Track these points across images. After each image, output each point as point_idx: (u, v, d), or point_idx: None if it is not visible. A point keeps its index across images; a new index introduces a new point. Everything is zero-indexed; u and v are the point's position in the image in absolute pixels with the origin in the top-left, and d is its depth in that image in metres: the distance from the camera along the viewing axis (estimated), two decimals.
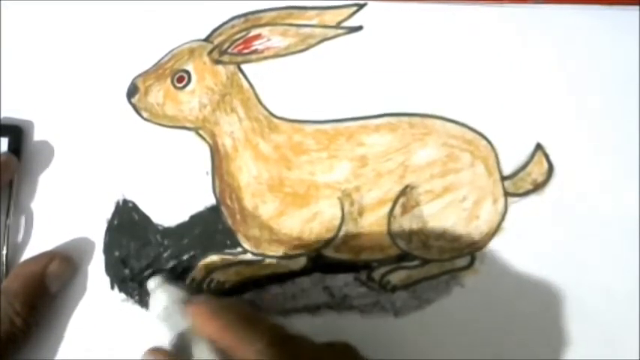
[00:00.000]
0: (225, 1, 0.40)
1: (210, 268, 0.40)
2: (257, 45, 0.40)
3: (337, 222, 0.39)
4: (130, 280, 0.40)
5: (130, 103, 0.40)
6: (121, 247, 0.40)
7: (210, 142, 0.40)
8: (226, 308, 0.34)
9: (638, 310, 0.38)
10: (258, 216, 0.39)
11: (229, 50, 0.40)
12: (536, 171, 0.39)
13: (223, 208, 0.40)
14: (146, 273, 0.40)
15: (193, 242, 0.40)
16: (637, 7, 0.40)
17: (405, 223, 0.39)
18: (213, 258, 0.40)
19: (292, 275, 0.39)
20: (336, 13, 0.40)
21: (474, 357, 0.38)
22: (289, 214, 0.39)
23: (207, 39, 0.40)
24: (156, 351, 0.35)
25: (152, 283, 0.38)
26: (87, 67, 0.41)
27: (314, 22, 0.40)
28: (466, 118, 0.39)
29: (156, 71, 0.40)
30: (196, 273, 0.40)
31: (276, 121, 0.40)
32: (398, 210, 0.39)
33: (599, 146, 0.39)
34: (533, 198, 0.39)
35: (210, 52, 0.40)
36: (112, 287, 0.40)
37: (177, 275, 0.40)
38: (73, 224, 0.40)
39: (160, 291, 0.37)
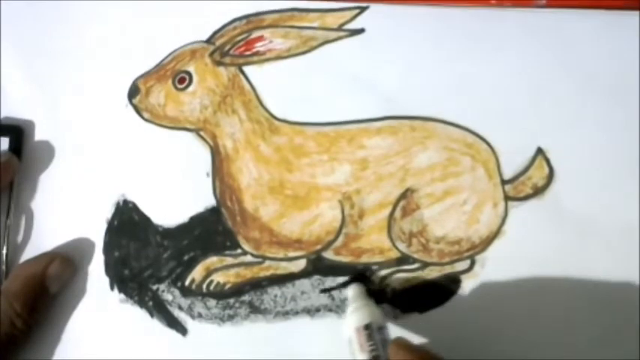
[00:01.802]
0: (227, 3, 0.40)
1: (210, 270, 0.40)
2: (259, 47, 0.40)
3: (337, 224, 0.39)
4: (129, 281, 0.40)
5: (131, 103, 0.40)
6: (120, 248, 0.40)
7: (211, 143, 0.40)
8: None
9: (639, 312, 0.38)
10: (258, 218, 0.39)
11: (231, 52, 0.40)
12: (537, 175, 0.39)
13: (223, 210, 0.40)
14: (146, 274, 0.40)
15: (193, 243, 0.40)
16: (637, 12, 0.40)
17: (406, 226, 0.39)
18: (213, 259, 0.40)
19: (292, 277, 0.39)
20: (338, 15, 0.40)
21: None
22: (289, 216, 0.39)
23: (208, 40, 0.40)
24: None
25: (354, 291, 0.38)
26: (88, 68, 0.41)
27: (316, 24, 0.40)
28: (467, 121, 0.39)
29: (157, 72, 0.40)
30: (196, 274, 0.40)
31: (277, 123, 0.40)
32: (398, 213, 0.39)
33: (599, 151, 0.39)
34: (533, 202, 0.39)
35: (211, 54, 0.40)
36: (112, 288, 0.40)
37: (177, 276, 0.40)
38: (73, 224, 0.40)
39: (364, 304, 0.36)
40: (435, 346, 0.38)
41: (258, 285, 0.39)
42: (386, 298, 0.39)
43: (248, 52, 0.40)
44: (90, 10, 0.41)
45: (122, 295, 0.40)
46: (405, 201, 0.39)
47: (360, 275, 0.39)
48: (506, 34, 0.40)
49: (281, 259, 0.39)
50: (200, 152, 0.40)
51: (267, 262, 0.40)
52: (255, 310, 0.39)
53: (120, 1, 0.41)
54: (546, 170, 0.39)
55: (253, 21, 0.40)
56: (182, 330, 0.39)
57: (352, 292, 0.38)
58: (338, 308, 0.39)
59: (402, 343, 0.34)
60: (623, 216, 0.39)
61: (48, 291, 0.38)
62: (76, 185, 0.40)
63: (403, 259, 0.39)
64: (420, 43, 0.40)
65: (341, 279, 0.39)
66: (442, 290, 0.39)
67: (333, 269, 0.39)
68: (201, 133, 0.40)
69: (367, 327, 0.35)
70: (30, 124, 0.41)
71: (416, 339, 0.38)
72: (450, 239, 0.39)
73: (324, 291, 0.39)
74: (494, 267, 0.39)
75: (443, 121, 0.39)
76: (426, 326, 0.38)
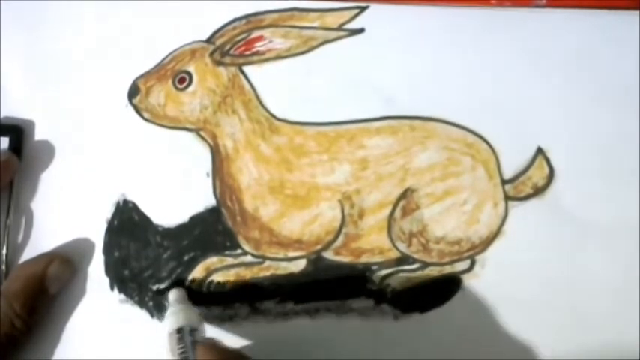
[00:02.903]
0: (227, 3, 0.40)
1: (210, 270, 0.40)
2: (259, 47, 0.40)
3: (337, 224, 0.39)
4: (129, 281, 0.40)
5: (131, 103, 0.40)
6: (120, 248, 0.40)
7: (211, 143, 0.40)
8: None
9: (639, 312, 0.38)
10: (258, 218, 0.39)
11: (231, 52, 0.40)
12: (537, 175, 0.39)
13: (223, 210, 0.40)
14: (146, 274, 0.40)
15: (193, 243, 0.40)
16: (637, 12, 0.40)
17: (406, 226, 0.39)
18: (213, 259, 0.40)
19: (292, 277, 0.39)
20: (338, 15, 0.40)
21: None
22: (289, 216, 0.39)
23: (208, 40, 0.40)
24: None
25: (173, 295, 0.38)
26: (88, 68, 0.41)
27: (316, 24, 0.40)
28: (467, 121, 0.39)
29: (157, 72, 0.40)
30: (196, 274, 0.40)
31: (277, 123, 0.40)
32: (398, 213, 0.39)
33: (600, 150, 0.39)
34: (533, 202, 0.39)
35: (211, 54, 0.40)
36: (112, 288, 0.40)
37: (176, 277, 0.40)
38: (73, 224, 0.40)
39: (179, 308, 0.37)
40: (435, 346, 0.38)
41: (258, 285, 0.39)
42: (386, 298, 0.39)
43: (248, 52, 0.40)
44: (90, 10, 0.41)
45: (122, 295, 0.40)
46: (405, 201, 0.39)
47: (179, 281, 0.39)
48: (506, 34, 0.40)
49: (281, 259, 0.39)
50: (200, 152, 0.40)
51: (267, 262, 0.40)
52: (255, 310, 0.39)
53: (120, 1, 0.41)
54: (546, 170, 0.39)
55: (253, 21, 0.40)
56: None
57: (171, 296, 0.38)
58: (338, 309, 0.39)
59: (210, 344, 0.35)
60: (623, 216, 0.39)
61: (48, 291, 0.38)
62: (76, 185, 0.40)
63: (403, 259, 0.39)
64: (420, 43, 0.40)
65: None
66: (442, 290, 0.39)
67: (333, 269, 0.39)
68: (201, 133, 0.40)
69: (179, 330, 0.35)
70: (30, 124, 0.41)
71: (416, 339, 0.38)
72: (450, 239, 0.39)
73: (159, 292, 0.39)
74: (495, 267, 0.39)
75: (443, 121, 0.39)
76: (426, 326, 0.38)
